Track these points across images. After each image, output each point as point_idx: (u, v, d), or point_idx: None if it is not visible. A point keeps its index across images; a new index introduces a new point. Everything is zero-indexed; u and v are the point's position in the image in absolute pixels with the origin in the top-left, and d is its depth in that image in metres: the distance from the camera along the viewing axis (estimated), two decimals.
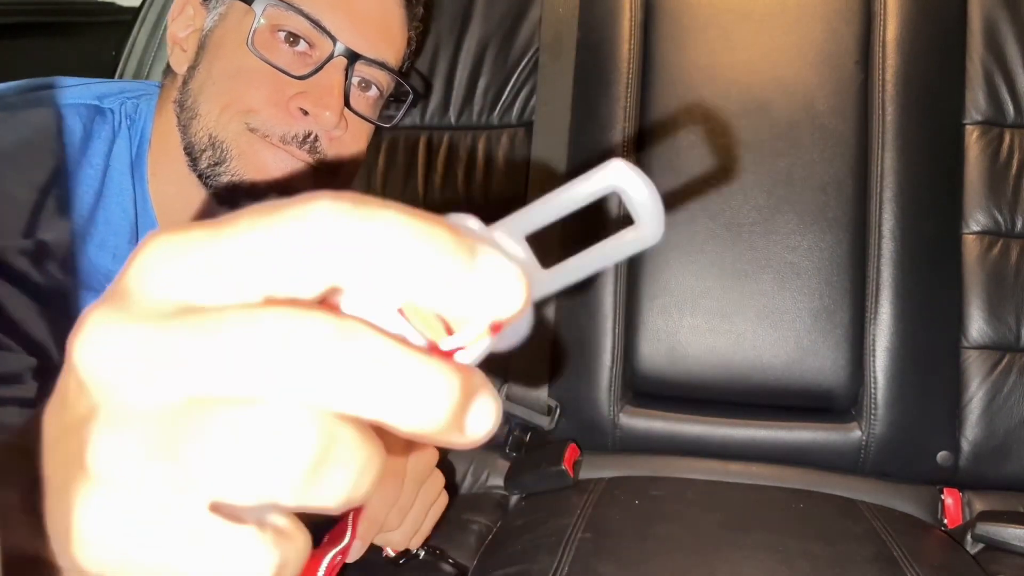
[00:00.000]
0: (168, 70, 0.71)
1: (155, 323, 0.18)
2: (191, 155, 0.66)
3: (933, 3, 0.94)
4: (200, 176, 0.67)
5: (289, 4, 0.65)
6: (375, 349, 0.18)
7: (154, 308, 0.18)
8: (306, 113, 0.66)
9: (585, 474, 0.91)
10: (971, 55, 0.95)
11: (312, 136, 0.66)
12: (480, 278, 0.19)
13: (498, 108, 1.04)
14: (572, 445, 0.90)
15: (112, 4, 1.35)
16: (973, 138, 0.95)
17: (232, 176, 0.65)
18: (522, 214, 0.21)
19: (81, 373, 0.18)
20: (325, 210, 0.18)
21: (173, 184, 0.67)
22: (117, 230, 0.64)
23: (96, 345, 0.18)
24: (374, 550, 0.69)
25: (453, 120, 1.05)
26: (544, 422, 0.92)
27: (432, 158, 1.04)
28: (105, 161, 0.64)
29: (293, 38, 0.66)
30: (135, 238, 0.64)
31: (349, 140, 0.70)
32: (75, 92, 0.66)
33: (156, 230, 0.19)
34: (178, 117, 0.67)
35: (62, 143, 0.61)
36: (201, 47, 0.67)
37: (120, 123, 0.66)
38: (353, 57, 0.67)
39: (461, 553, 0.79)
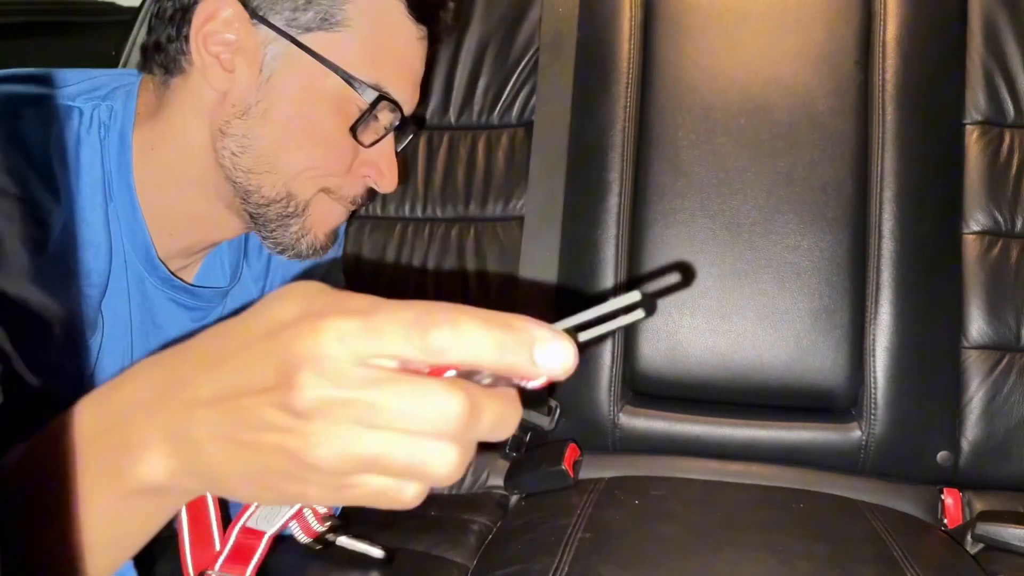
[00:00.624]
0: (173, 67, 0.64)
1: (357, 386, 0.29)
2: (246, 194, 0.64)
3: (933, 3, 0.94)
4: (254, 216, 0.65)
5: (362, 82, 0.63)
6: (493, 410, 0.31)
7: (357, 372, 0.29)
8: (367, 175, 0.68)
9: (585, 474, 0.91)
10: (971, 55, 0.95)
11: (369, 193, 0.69)
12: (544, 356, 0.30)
13: (498, 108, 1.04)
14: (572, 445, 0.90)
15: (112, 4, 1.35)
16: (973, 138, 0.95)
17: (299, 228, 0.66)
18: (571, 319, 0.32)
19: (306, 389, 0.29)
20: (468, 330, 0.29)
21: (175, 194, 0.64)
22: (88, 245, 0.60)
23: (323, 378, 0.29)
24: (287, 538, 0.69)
25: (453, 120, 1.05)
26: (544, 422, 0.92)
27: (432, 158, 1.04)
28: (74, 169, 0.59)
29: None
30: (109, 249, 0.61)
31: None
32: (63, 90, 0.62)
33: (326, 309, 0.29)
34: (222, 145, 0.63)
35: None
36: (261, 82, 0.62)
37: (90, 126, 0.61)
38: (406, 122, 0.68)
39: (461, 553, 0.79)
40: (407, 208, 1.04)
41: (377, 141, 0.66)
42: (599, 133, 0.96)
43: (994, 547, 0.78)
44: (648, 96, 0.95)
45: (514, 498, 0.92)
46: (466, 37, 1.05)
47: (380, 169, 0.67)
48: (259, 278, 0.78)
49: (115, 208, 0.61)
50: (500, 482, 0.94)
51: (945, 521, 0.88)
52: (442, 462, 0.30)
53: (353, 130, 0.64)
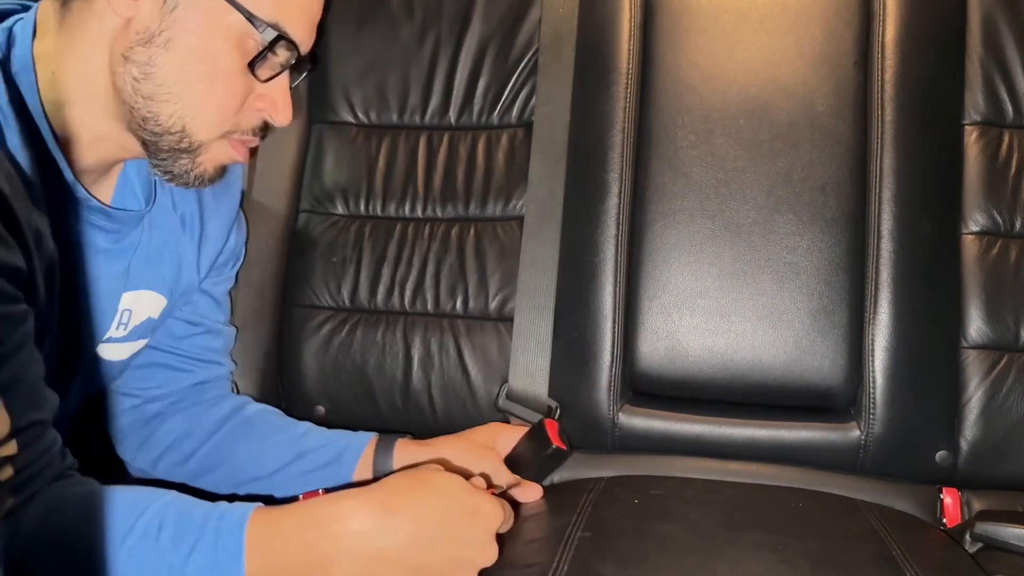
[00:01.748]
0: None
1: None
2: (143, 120, 0.67)
3: (932, 3, 0.94)
4: (146, 143, 0.68)
5: (262, 20, 0.67)
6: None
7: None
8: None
9: (585, 474, 0.91)
10: (970, 55, 0.95)
11: (263, 126, 0.73)
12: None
13: (498, 108, 1.04)
14: (546, 420, 0.86)
15: None
16: (972, 138, 0.95)
17: (189, 162, 0.69)
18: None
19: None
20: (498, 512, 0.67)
21: (78, 113, 0.66)
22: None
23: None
24: None
25: (453, 120, 1.05)
26: None
27: (432, 158, 1.04)
28: None
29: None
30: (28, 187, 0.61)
31: None
32: None
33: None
34: (124, 70, 0.65)
35: None
36: (165, 12, 0.65)
37: None
38: (302, 60, 0.72)
39: None
40: (407, 208, 1.04)
41: (273, 77, 0.70)
42: (599, 133, 0.96)
43: (993, 546, 0.79)
44: (648, 96, 0.95)
45: None
46: (466, 37, 1.05)
47: (275, 102, 0.71)
48: (183, 205, 0.81)
49: (18, 131, 0.62)
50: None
51: (944, 520, 0.88)
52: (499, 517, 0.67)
53: (251, 65, 0.68)
